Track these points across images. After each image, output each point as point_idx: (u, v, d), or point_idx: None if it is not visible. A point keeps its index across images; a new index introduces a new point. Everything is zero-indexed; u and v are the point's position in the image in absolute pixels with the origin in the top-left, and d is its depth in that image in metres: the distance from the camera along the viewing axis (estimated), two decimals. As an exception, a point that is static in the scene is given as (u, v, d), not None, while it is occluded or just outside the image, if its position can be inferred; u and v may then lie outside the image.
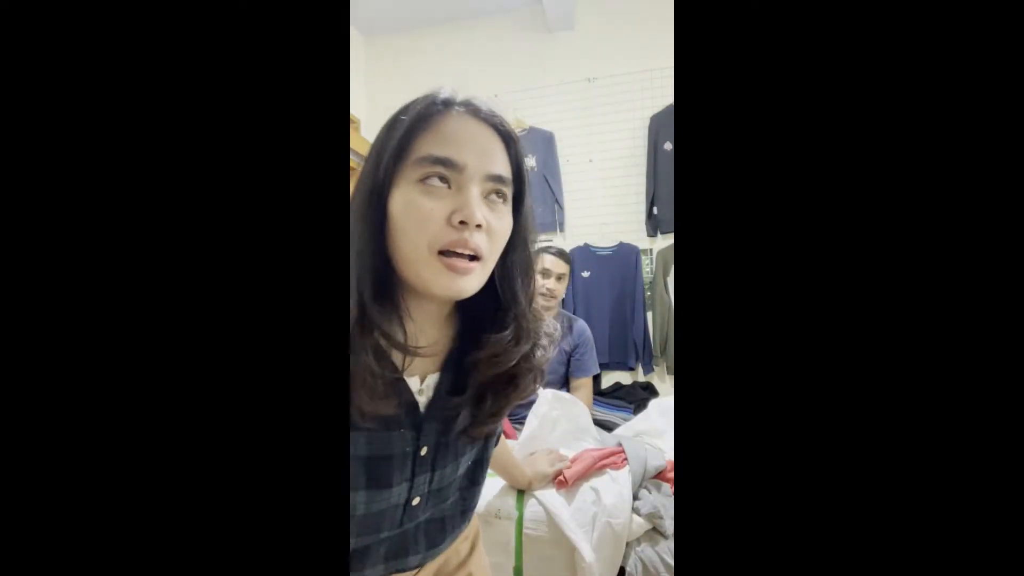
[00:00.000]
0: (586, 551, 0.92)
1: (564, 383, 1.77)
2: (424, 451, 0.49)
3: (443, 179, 0.42)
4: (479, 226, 0.42)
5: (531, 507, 1.00)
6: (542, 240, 2.50)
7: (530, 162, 2.48)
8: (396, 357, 0.46)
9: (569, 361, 1.76)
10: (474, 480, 0.58)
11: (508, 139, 0.46)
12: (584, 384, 1.77)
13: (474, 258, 0.43)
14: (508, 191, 0.46)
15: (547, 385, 1.54)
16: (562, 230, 2.53)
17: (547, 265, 1.68)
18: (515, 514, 0.99)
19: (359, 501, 0.46)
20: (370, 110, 2.66)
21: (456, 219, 0.42)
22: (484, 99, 0.46)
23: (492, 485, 1.04)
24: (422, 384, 0.49)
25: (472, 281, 0.44)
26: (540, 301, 1.63)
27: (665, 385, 2.35)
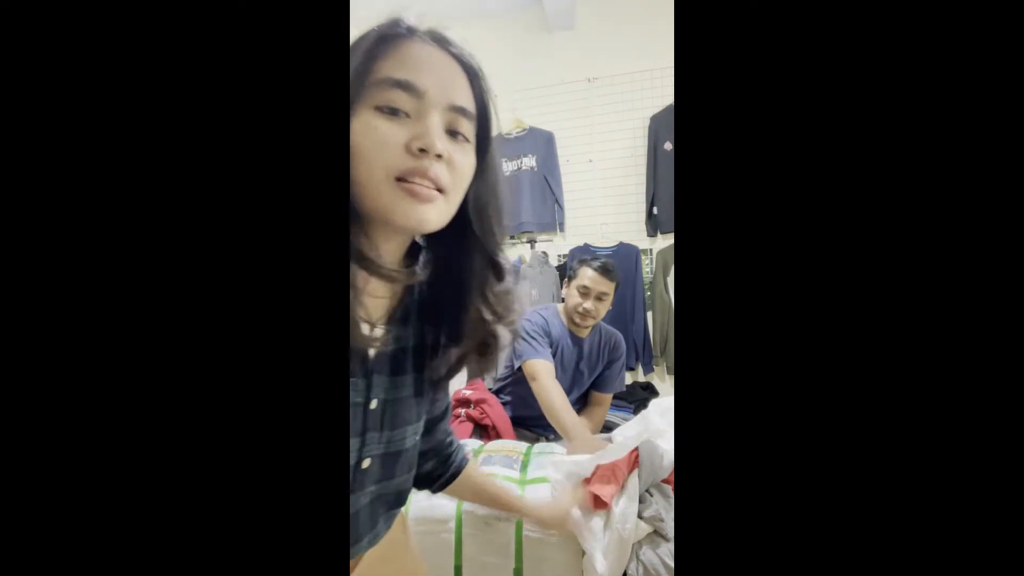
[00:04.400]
0: (599, 562, 0.91)
1: (582, 394, 1.64)
2: (374, 404, 0.48)
3: (403, 105, 0.40)
4: (439, 156, 0.40)
5: (531, 508, 1.00)
6: (542, 240, 2.50)
7: (530, 162, 2.49)
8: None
9: (600, 372, 1.62)
10: (414, 462, 0.57)
11: (473, 74, 0.44)
12: (606, 400, 1.65)
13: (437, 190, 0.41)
14: (471, 126, 0.44)
15: (567, 393, 1.47)
16: (562, 230, 2.53)
17: (586, 283, 1.46)
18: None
19: None
20: (370, 110, 2.66)
21: (415, 146, 0.39)
22: (449, 31, 0.44)
23: (492, 485, 1.04)
24: (371, 332, 0.46)
25: (434, 212, 0.41)
26: (575, 319, 1.50)
27: (665, 385, 2.36)
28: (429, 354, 0.51)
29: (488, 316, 0.48)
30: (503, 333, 0.49)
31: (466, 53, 0.44)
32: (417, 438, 0.55)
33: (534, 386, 1.40)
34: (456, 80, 0.43)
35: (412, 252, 0.49)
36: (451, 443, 0.70)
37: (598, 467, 0.98)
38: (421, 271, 0.47)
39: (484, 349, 0.50)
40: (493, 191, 0.47)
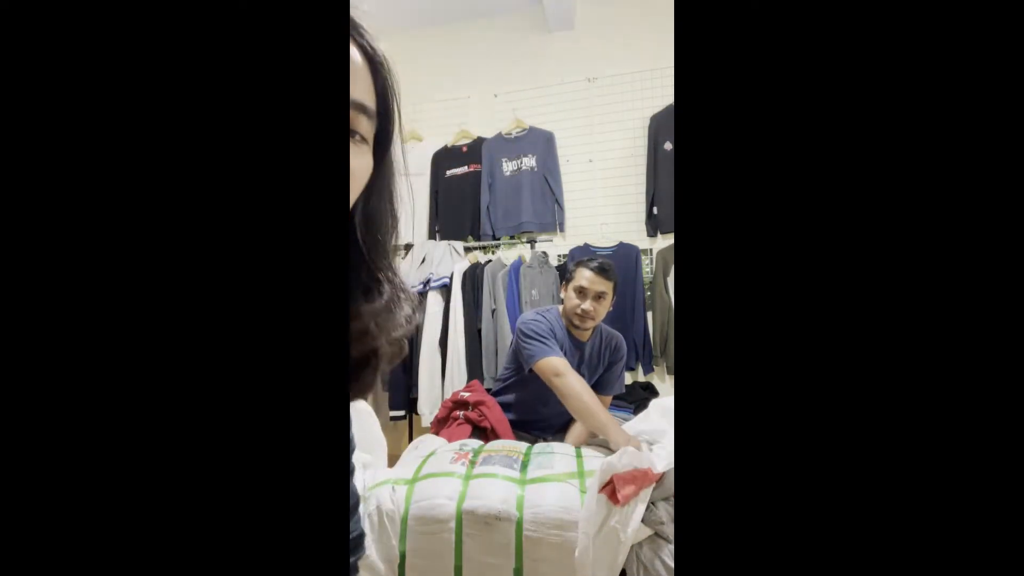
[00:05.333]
0: (587, 551, 0.91)
1: None
2: None
3: None
4: None
5: (531, 509, 1.00)
6: (542, 240, 2.50)
7: (530, 162, 2.49)
8: None
9: (600, 374, 1.61)
10: None
11: (376, 64, 0.38)
12: (605, 402, 1.62)
13: None
14: (370, 125, 0.38)
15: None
16: (562, 230, 2.53)
17: (583, 283, 1.44)
18: (515, 516, 0.99)
19: None
20: (370, 110, 2.66)
21: None
22: (353, 14, 0.38)
23: (492, 486, 1.04)
24: None
25: None
26: (575, 321, 1.49)
27: (665, 385, 2.36)
28: None
29: (370, 330, 0.41)
30: (384, 349, 0.42)
31: (368, 40, 0.37)
32: None
33: (558, 382, 1.34)
34: (354, 71, 0.36)
35: None
36: None
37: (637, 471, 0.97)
38: None
39: (363, 365, 0.42)
40: (389, 199, 0.42)
